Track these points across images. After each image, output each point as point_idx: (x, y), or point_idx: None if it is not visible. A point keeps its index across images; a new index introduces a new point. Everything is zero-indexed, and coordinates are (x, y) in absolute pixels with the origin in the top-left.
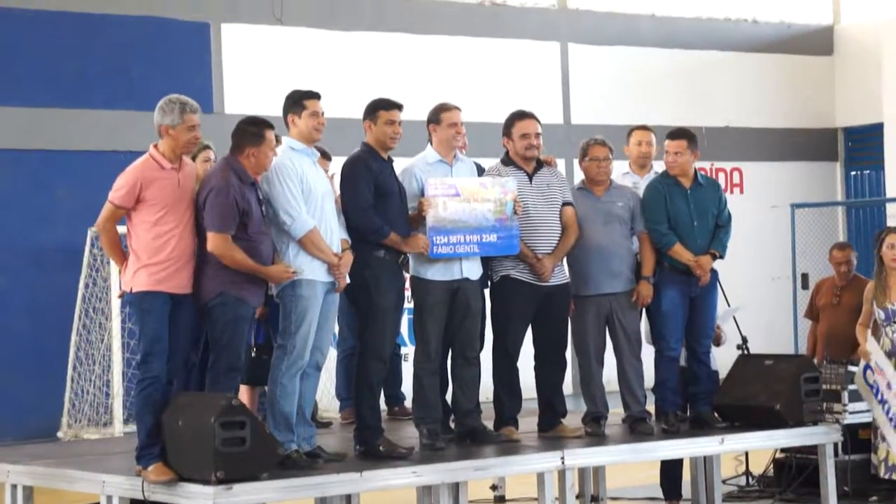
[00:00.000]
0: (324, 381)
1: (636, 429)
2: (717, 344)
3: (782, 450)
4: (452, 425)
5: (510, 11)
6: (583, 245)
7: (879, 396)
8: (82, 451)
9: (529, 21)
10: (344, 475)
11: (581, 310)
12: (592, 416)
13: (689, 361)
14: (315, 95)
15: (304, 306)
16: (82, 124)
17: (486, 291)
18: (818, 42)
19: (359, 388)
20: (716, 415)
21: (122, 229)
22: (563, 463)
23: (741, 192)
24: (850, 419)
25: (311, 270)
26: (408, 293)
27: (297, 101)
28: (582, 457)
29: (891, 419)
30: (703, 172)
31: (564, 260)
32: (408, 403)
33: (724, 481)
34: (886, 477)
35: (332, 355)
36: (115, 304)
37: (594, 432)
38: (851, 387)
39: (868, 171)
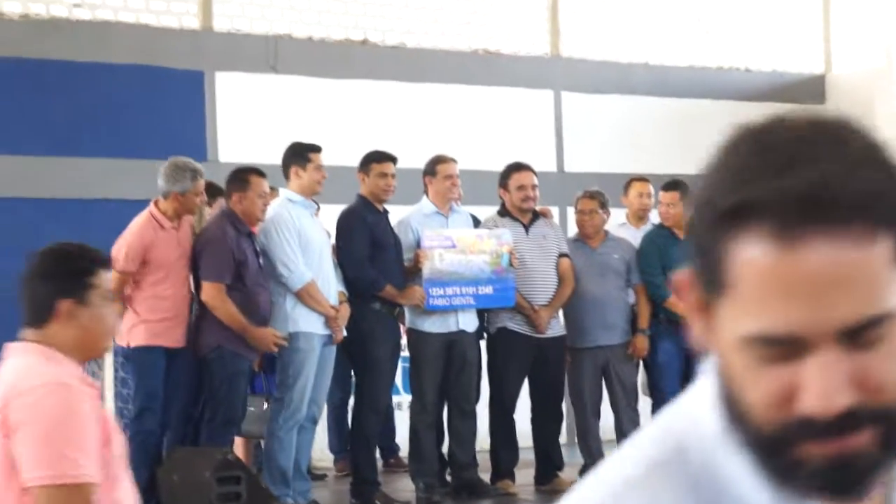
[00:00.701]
0: (316, 431)
1: None
2: None
3: None
4: (449, 478)
5: (503, 59)
6: (579, 297)
7: None
8: None
9: (523, 69)
10: None
11: (577, 362)
12: (589, 469)
13: None
14: (318, 149)
15: (301, 359)
16: (75, 172)
17: (482, 343)
18: (810, 91)
19: (355, 441)
20: None
21: None
22: None
23: None
24: None
25: (308, 323)
26: (403, 342)
27: (302, 153)
28: None
29: None
30: None
31: (560, 312)
32: (402, 454)
33: None
34: None
35: None
36: (108, 353)
37: None
38: None
39: None
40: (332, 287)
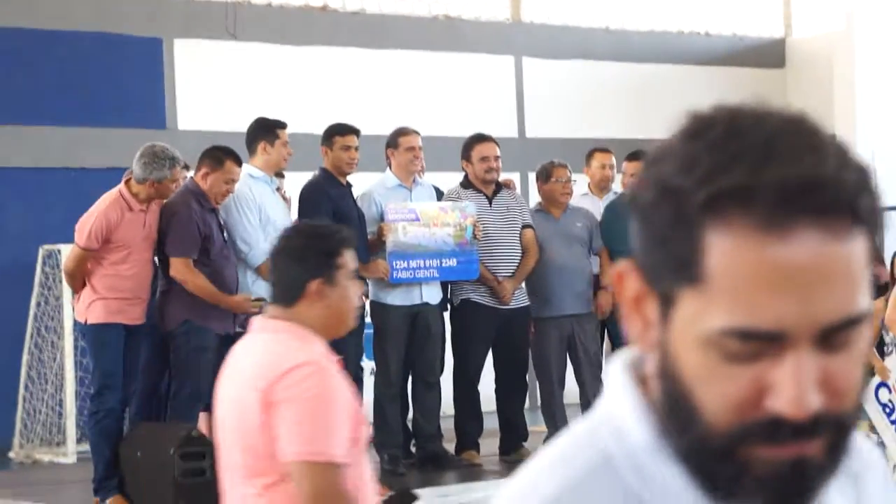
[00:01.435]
0: None
1: None
2: None
3: None
4: (413, 449)
5: (464, 25)
6: (543, 266)
7: (893, 416)
8: (36, 478)
9: (484, 35)
10: None
11: (542, 332)
12: (553, 438)
13: None
14: (285, 125)
15: None
16: (34, 141)
17: (446, 315)
18: (770, 55)
19: None
20: None
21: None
22: None
23: None
24: None
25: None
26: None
27: (271, 129)
28: None
29: None
30: None
31: (524, 282)
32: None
33: None
34: None
35: None
36: (68, 322)
37: None
38: None
39: None
40: None
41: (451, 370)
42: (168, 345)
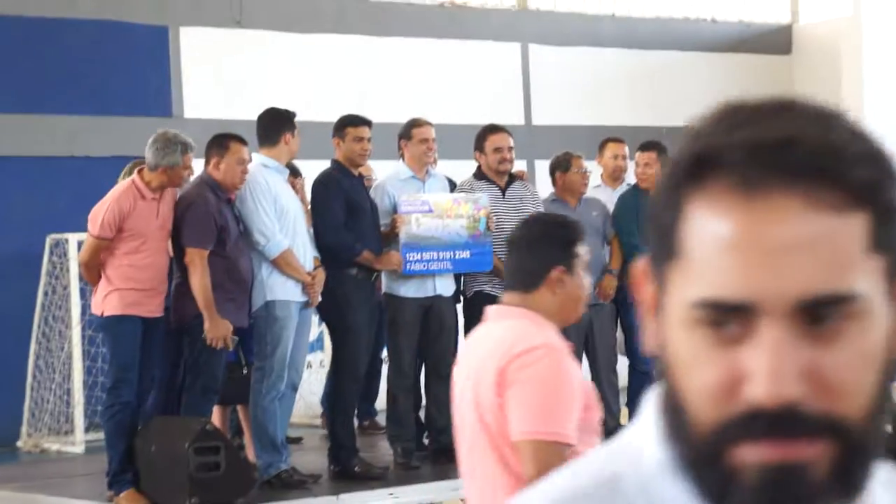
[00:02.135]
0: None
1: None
2: None
3: None
4: (426, 442)
5: (471, 13)
6: None
7: None
8: (46, 472)
9: (490, 22)
10: (321, 498)
11: None
12: None
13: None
14: (295, 115)
15: (279, 327)
16: (40, 129)
17: (459, 307)
18: (777, 41)
19: (333, 408)
20: None
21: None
22: None
23: None
24: None
25: (285, 291)
26: None
27: (291, 119)
28: None
29: None
30: None
31: None
32: (379, 418)
33: None
34: None
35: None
36: (76, 312)
37: None
38: None
39: None
40: (307, 253)
41: None
42: (182, 337)
